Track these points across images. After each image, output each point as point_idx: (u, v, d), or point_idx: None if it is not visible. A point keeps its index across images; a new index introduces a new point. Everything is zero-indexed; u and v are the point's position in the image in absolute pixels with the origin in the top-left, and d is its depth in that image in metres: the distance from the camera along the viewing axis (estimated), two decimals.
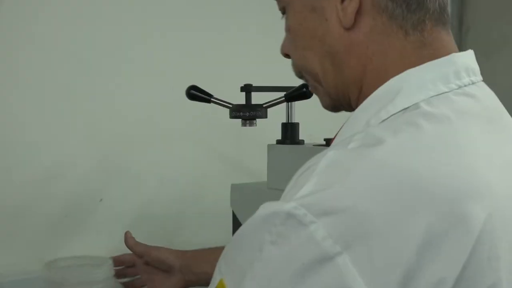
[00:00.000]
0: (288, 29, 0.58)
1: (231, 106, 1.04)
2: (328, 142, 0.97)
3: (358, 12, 0.50)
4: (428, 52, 0.50)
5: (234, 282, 0.45)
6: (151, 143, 1.33)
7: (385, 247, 0.40)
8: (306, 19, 0.54)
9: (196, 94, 1.04)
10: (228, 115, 1.05)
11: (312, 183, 0.43)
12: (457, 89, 0.48)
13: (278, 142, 1.10)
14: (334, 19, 0.52)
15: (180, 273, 0.89)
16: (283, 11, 0.59)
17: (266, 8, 1.49)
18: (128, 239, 0.92)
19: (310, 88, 0.63)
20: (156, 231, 1.31)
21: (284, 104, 1.07)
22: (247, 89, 1.05)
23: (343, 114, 1.37)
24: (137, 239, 1.20)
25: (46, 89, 1.17)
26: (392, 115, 0.47)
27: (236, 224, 1.12)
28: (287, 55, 0.61)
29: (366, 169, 0.42)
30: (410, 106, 0.47)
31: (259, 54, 1.48)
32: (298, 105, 1.09)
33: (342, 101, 0.58)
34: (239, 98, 1.05)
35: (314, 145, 1.03)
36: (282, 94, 1.04)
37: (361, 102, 0.53)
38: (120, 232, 1.19)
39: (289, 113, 1.11)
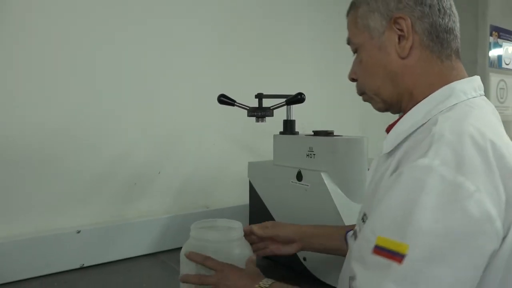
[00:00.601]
0: (360, 61, 0.71)
1: (248, 108, 1.22)
2: (316, 133, 1.16)
3: (411, 48, 0.66)
4: (455, 73, 0.66)
5: (396, 232, 0.52)
6: (193, 133, 1.50)
7: (494, 183, 0.51)
8: (374, 55, 0.69)
9: (224, 100, 1.21)
10: (246, 114, 1.22)
11: (435, 147, 0.52)
12: (479, 96, 0.66)
13: (281, 133, 1.27)
14: (393, 53, 0.67)
15: (299, 242, 0.94)
16: (355, 51, 0.73)
17: (276, 38, 1.71)
18: (255, 230, 0.95)
19: (364, 99, 0.75)
20: (197, 193, 1.52)
21: (285, 106, 1.24)
22: (259, 96, 1.24)
23: (322, 117, 1.67)
24: (184, 202, 1.42)
25: (122, 92, 1.32)
26: (448, 107, 0.61)
27: (252, 189, 1.30)
28: (353, 80, 0.75)
29: (465, 133, 0.54)
30: (458, 103, 0.62)
31: (268, 73, 1.65)
32: (295, 107, 1.27)
33: (395, 106, 0.70)
34: (254, 103, 1.23)
35: (305, 135, 1.18)
36: (284, 100, 1.22)
37: (410, 106, 0.66)
38: (172, 194, 1.43)
39: (288, 113, 1.27)
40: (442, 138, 0.53)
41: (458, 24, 0.69)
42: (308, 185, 1.11)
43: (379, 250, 0.53)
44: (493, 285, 0.53)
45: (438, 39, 0.66)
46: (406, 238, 0.50)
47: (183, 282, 0.83)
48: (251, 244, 0.93)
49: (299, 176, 1.14)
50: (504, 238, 0.52)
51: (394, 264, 0.50)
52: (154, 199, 1.43)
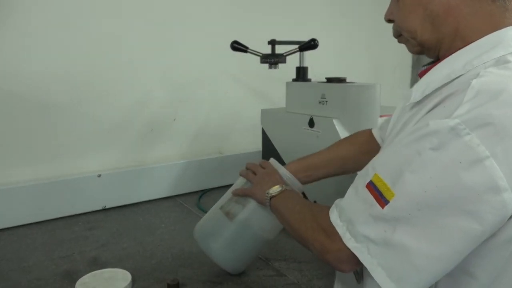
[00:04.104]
0: (397, 0, 0.63)
1: (261, 55, 1.21)
2: (328, 80, 1.15)
3: None
4: (509, 15, 0.55)
5: (390, 177, 0.51)
6: (208, 81, 1.52)
7: None
8: None
9: (237, 46, 1.21)
10: (259, 61, 1.22)
11: (467, 105, 0.48)
12: None
13: (294, 80, 1.27)
14: None
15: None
16: None
17: None
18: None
19: (399, 41, 0.66)
20: (211, 140, 1.56)
21: (298, 53, 1.23)
22: (272, 42, 1.23)
23: (335, 64, 1.63)
24: (199, 148, 1.45)
25: (136, 47, 1.36)
26: (492, 59, 0.53)
27: (265, 136, 1.31)
28: (390, 21, 0.66)
29: (506, 90, 0.48)
30: (506, 54, 0.53)
31: (281, 21, 1.64)
32: (307, 54, 1.26)
33: (432, 51, 0.61)
34: (267, 49, 1.22)
35: (318, 82, 1.17)
36: (296, 46, 1.21)
37: (452, 52, 0.57)
38: (187, 141, 1.48)
39: (301, 60, 1.27)
40: (477, 96, 0.48)
41: None
42: (320, 132, 1.12)
43: (371, 186, 0.53)
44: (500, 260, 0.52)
45: None
46: (396, 188, 0.50)
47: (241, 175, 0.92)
48: None
49: (311, 123, 1.15)
50: None
51: (377, 206, 0.51)
52: (170, 145, 1.47)
